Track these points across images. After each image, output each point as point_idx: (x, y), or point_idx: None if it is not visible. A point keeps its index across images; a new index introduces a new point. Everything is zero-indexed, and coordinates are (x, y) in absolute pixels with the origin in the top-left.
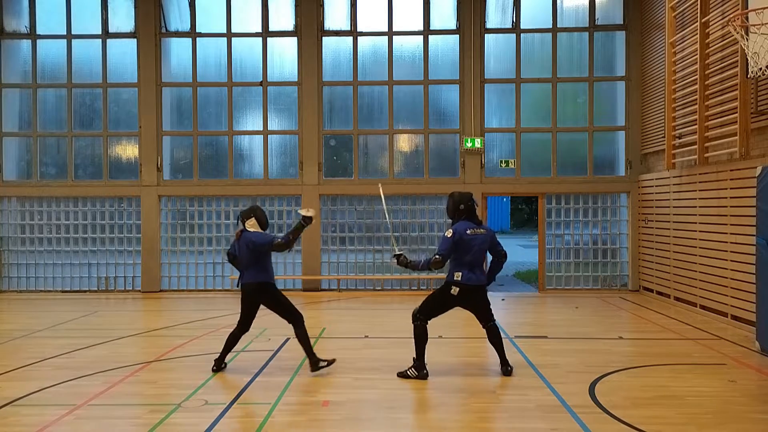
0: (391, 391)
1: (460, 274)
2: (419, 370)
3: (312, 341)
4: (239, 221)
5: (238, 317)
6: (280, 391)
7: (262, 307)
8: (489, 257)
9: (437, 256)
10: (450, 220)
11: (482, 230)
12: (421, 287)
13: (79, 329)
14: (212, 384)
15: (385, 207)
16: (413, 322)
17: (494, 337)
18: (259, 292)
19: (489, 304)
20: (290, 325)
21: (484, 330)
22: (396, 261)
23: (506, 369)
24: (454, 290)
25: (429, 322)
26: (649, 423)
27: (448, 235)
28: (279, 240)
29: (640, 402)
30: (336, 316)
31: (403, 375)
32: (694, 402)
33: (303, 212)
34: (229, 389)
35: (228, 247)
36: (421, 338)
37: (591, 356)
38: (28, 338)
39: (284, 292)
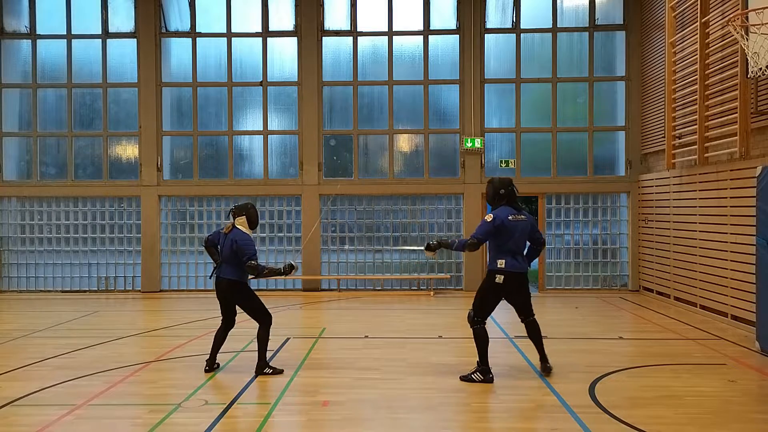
0: (391, 391)
1: (504, 261)
2: (485, 374)
3: (312, 341)
4: (230, 215)
5: (237, 317)
6: (280, 391)
7: None
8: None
9: (473, 239)
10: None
11: (523, 216)
12: (422, 287)
13: (79, 329)
14: (212, 384)
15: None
16: (471, 326)
17: (534, 332)
18: (231, 291)
19: (530, 295)
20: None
21: (523, 324)
22: (428, 249)
23: (546, 366)
24: (499, 278)
25: (485, 322)
26: (649, 423)
27: (488, 220)
28: (254, 263)
29: (640, 402)
30: (336, 316)
31: (467, 379)
32: (694, 402)
33: (293, 264)
34: (229, 389)
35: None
36: (482, 340)
37: (591, 356)
38: (28, 338)
39: (284, 293)
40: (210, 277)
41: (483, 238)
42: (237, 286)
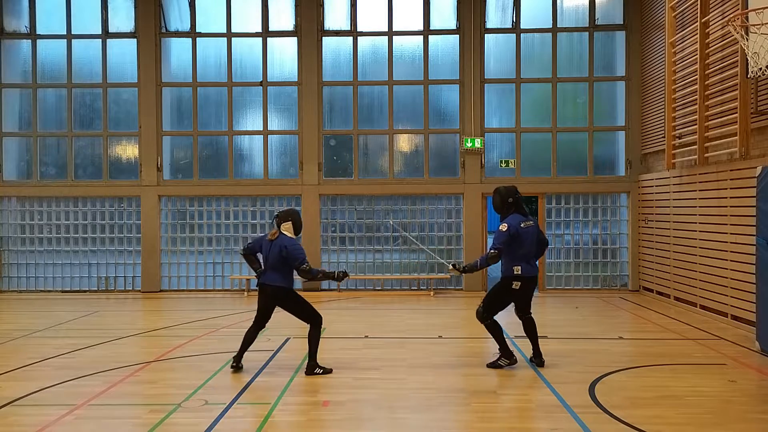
0: (391, 391)
1: (519, 267)
2: (509, 357)
3: None
4: (275, 222)
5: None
6: (280, 391)
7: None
8: None
9: (493, 251)
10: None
11: (531, 222)
12: (421, 287)
13: (79, 329)
14: (212, 384)
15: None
16: (482, 322)
17: (530, 328)
18: (279, 297)
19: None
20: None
21: (521, 321)
22: (455, 269)
23: (540, 360)
24: (516, 285)
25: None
26: (649, 423)
27: (504, 230)
28: (307, 267)
29: (640, 402)
30: (336, 316)
31: (494, 365)
32: (694, 402)
33: (346, 272)
34: (229, 389)
35: (232, 244)
36: (496, 331)
37: (591, 356)
38: (28, 338)
39: None
40: (257, 286)
41: (503, 248)
42: (285, 293)
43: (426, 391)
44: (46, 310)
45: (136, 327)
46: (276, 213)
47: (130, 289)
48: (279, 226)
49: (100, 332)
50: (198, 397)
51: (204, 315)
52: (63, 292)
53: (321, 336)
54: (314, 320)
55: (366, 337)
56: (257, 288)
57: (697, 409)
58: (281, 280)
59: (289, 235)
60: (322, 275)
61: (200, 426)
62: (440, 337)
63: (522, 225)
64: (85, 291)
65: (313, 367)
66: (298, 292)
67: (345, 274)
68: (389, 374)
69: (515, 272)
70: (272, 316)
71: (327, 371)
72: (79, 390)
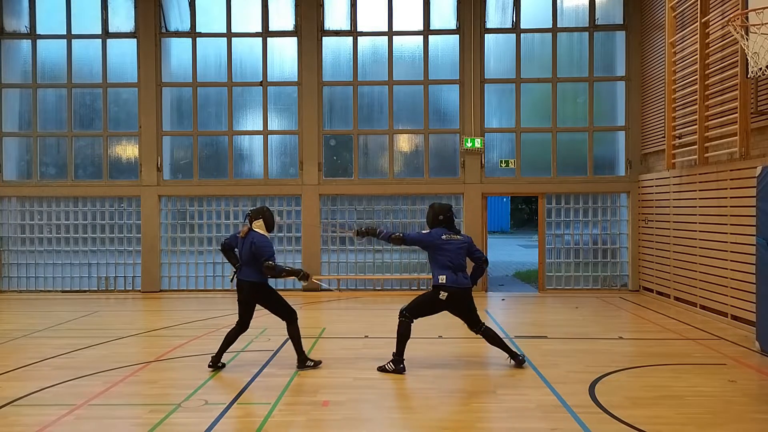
0: (391, 391)
1: (444, 277)
2: (396, 364)
3: (312, 341)
4: (247, 218)
5: (237, 317)
6: (280, 391)
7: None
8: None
9: (399, 234)
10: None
11: (458, 237)
12: (422, 287)
13: (79, 329)
14: (212, 384)
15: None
16: (399, 318)
17: (491, 338)
18: (254, 292)
19: (475, 309)
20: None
21: (480, 335)
22: (358, 234)
23: (518, 359)
24: (443, 295)
25: (414, 321)
26: (649, 423)
27: (424, 232)
28: (272, 263)
29: (640, 402)
30: (336, 316)
31: (381, 369)
32: (694, 402)
33: (308, 274)
34: (229, 389)
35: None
36: (404, 335)
37: (591, 356)
38: (28, 338)
39: (284, 293)
40: (231, 281)
41: (408, 240)
42: (258, 287)
43: (426, 391)
44: (46, 310)
45: (136, 327)
46: (248, 211)
47: (130, 289)
48: (251, 224)
49: (100, 332)
50: (198, 397)
51: (204, 315)
52: (63, 292)
53: (321, 336)
54: (290, 316)
55: (366, 337)
56: (235, 285)
57: (697, 409)
58: (254, 276)
59: (261, 232)
60: (286, 273)
61: (200, 426)
62: (440, 337)
63: (444, 237)
64: (85, 291)
65: (303, 361)
66: (300, 293)
67: (307, 276)
68: (389, 374)
69: (440, 281)
70: (265, 318)
71: (317, 363)
72: (79, 390)
